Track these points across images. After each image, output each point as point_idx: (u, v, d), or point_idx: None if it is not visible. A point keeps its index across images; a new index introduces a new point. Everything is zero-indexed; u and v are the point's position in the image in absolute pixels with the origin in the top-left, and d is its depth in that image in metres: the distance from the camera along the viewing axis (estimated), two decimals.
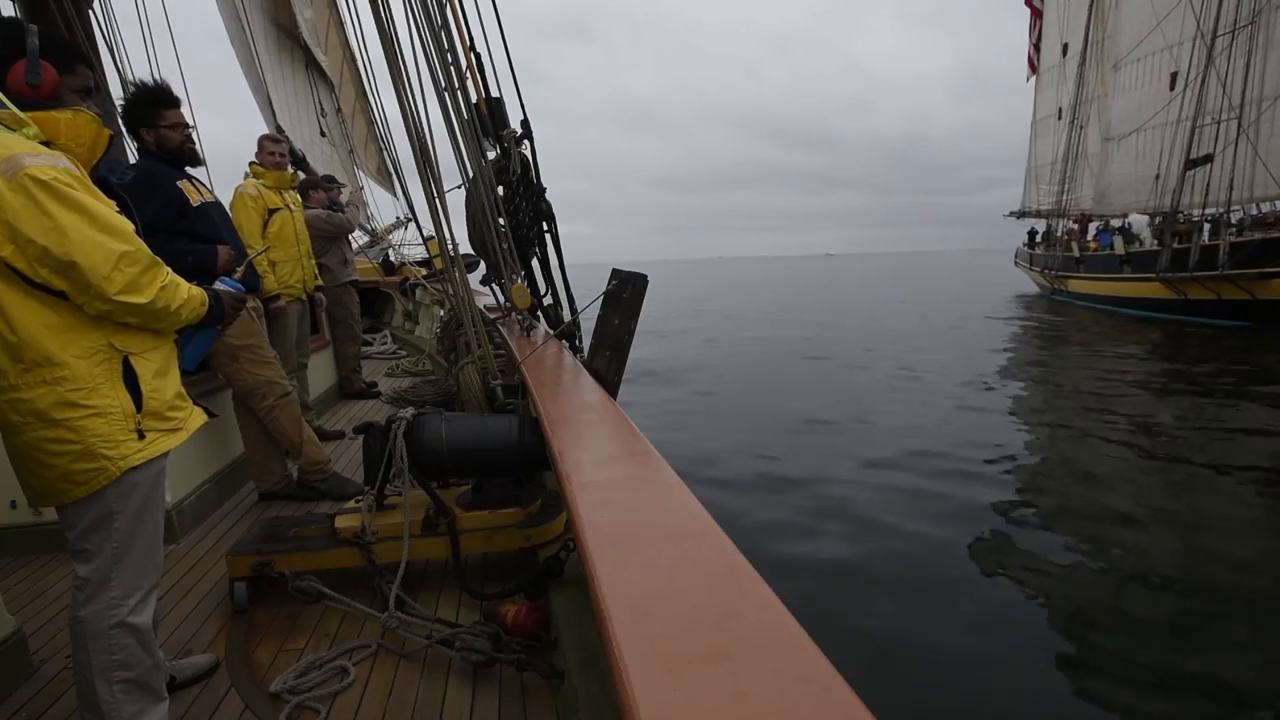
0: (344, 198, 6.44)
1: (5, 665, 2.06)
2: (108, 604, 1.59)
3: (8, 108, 1.48)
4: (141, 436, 1.57)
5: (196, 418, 1.76)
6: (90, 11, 5.27)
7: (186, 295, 1.67)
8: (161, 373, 1.66)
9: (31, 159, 1.41)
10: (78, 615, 1.60)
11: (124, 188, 2.46)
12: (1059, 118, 29.18)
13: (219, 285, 1.88)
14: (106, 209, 1.52)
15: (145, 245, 1.57)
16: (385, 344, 8.77)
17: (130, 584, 1.62)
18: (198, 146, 3.14)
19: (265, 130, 7.41)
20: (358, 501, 2.67)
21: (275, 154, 4.61)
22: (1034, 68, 32.28)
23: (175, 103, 2.96)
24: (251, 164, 4.57)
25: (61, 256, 1.42)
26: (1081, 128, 27.30)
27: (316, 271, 5.03)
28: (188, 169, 3.11)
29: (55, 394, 1.48)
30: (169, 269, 1.63)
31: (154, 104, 2.91)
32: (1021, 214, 32.88)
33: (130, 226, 1.56)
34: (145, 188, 2.83)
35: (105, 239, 1.47)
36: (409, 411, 2.56)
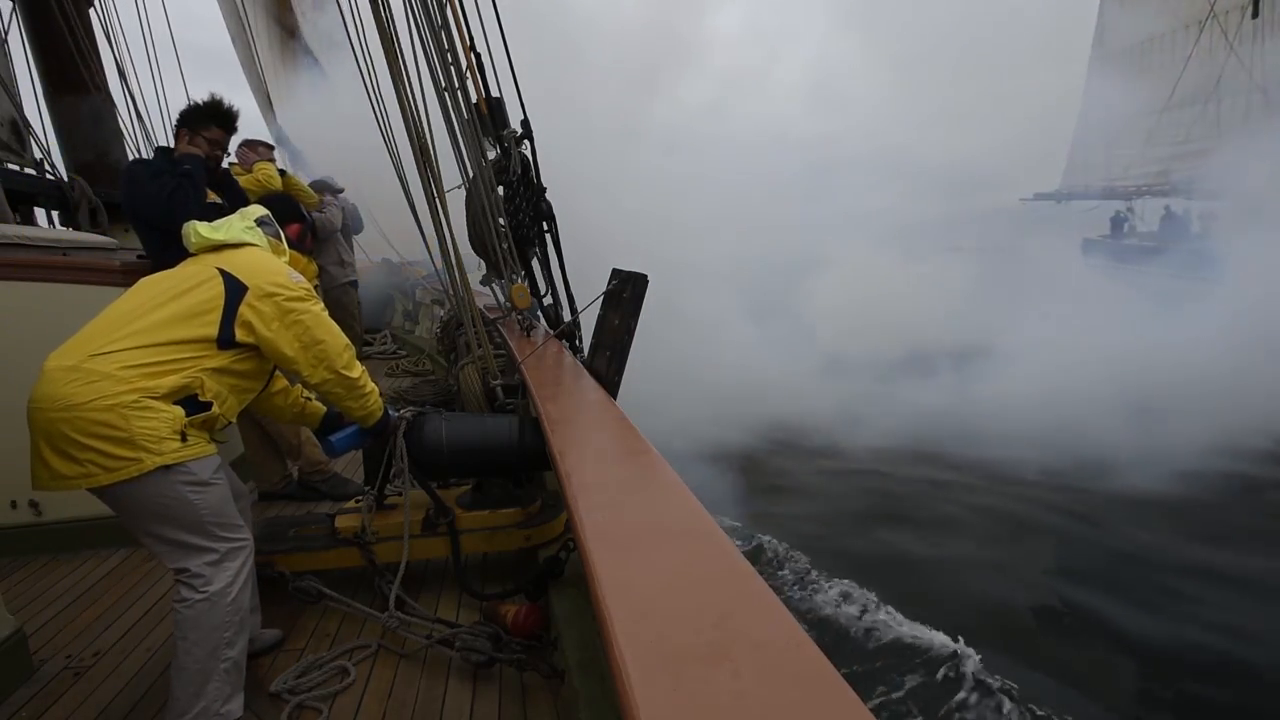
0: (328, 209, 6.34)
1: (5, 665, 2.06)
2: (224, 584, 1.78)
3: (282, 243, 2.18)
4: (184, 439, 1.74)
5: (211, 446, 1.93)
6: (90, 11, 5.28)
7: (374, 387, 2.22)
8: (229, 407, 1.91)
9: (296, 276, 2.02)
10: (192, 600, 1.75)
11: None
12: (1253, 14, 16.10)
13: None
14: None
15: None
16: (385, 344, 8.77)
17: (235, 567, 1.82)
18: (218, 170, 3.17)
19: (260, 129, 7.40)
20: (358, 501, 2.67)
21: (268, 158, 4.63)
22: None
23: (226, 126, 3.01)
24: (232, 164, 4.50)
25: (317, 335, 1.97)
26: None
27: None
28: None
29: (129, 384, 1.68)
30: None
31: (208, 116, 2.96)
32: (1065, 197, 22.12)
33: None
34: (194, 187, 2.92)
35: (338, 332, 2.06)
36: (409, 411, 2.56)
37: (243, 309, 1.87)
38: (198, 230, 1.98)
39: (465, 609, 2.45)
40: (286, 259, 2.13)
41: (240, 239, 2.01)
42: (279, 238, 2.16)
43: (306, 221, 2.24)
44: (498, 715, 1.91)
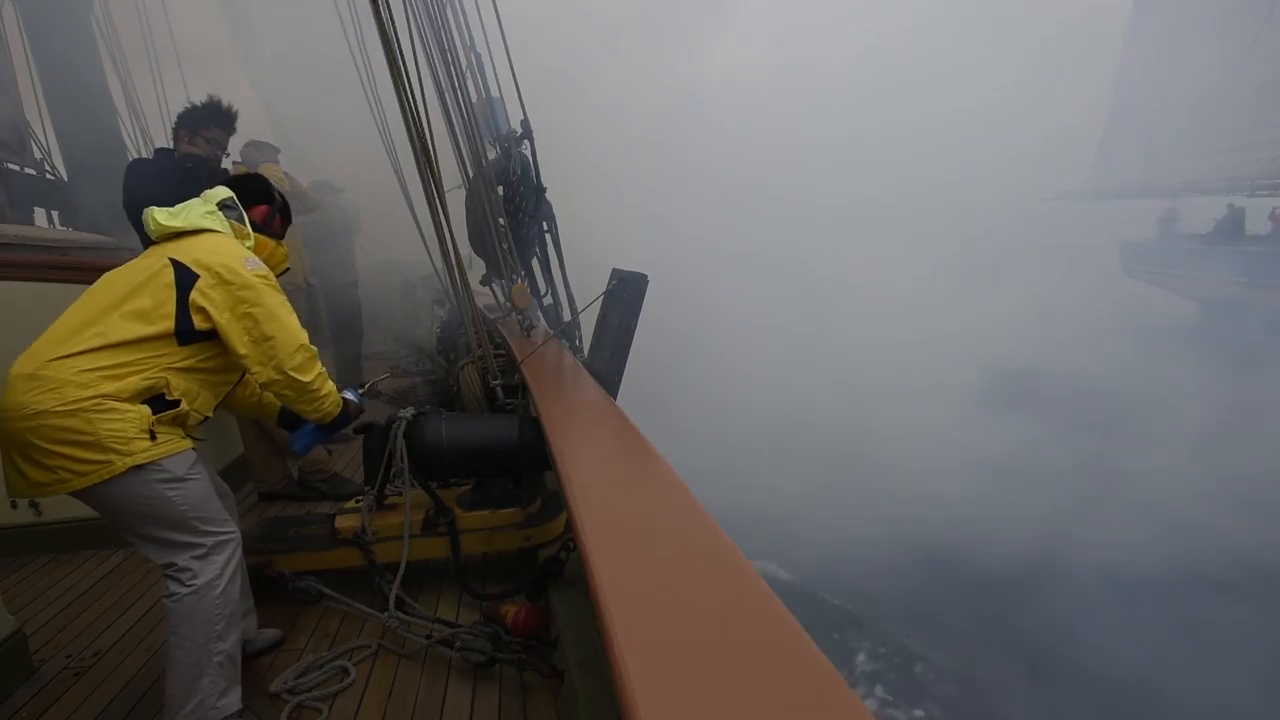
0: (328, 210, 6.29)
1: (5, 665, 2.06)
2: (211, 577, 1.77)
3: (245, 227, 2.04)
4: (153, 438, 1.71)
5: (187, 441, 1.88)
6: (91, 16, 5.28)
7: (330, 389, 2.06)
8: (201, 402, 1.86)
9: (255, 263, 1.90)
10: (180, 595, 1.74)
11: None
12: None
13: (346, 394, 2.22)
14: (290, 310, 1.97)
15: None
16: (385, 344, 8.76)
17: (222, 560, 1.81)
18: (218, 170, 3.17)
19: (258, 129, 7.39)
20: (358, 501, 2.67)
21: (272, 159, 4.75)
22: None
23: (225, 126, 3.04)
24: (236, 164, 4.60)
25: (266, 330, 1.84)
26: None
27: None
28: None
29: (91, 389, 1.64)
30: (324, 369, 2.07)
31: (207, 117, 2.97)
32: (1096, 196, 19.60)
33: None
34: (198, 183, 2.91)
35: (295, 329, 1.90)
36: (409, 411, 2.56)
37: (194, 295, 1.78)
38: (155, 217, 1.88)
39: (465, 609, 2.45)
40: (251, 244, 2.02)
41: (199, 225, 1.90)
42: (243, 221, 2.04)
43: (275, 203, 2.21)
44: (498, 715, 1.91)
